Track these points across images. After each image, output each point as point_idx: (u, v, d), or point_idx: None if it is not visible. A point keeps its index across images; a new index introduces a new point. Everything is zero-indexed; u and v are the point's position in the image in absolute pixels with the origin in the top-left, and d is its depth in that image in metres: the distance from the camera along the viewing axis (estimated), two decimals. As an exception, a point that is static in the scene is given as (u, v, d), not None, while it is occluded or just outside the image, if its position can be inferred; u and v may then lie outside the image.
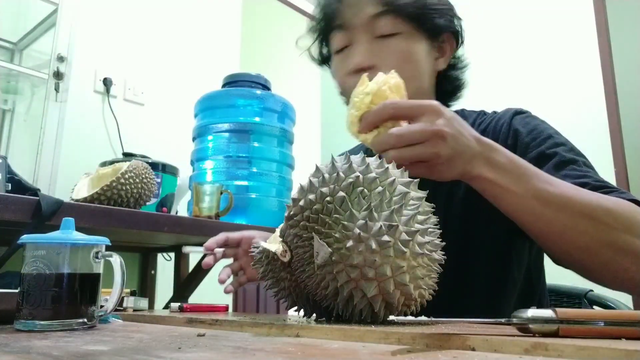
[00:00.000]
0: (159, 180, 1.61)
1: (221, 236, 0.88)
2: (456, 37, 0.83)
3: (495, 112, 0.84)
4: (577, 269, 0.64)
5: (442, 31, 0.80)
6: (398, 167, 0.53)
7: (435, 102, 0.59)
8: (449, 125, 0.56)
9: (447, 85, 0.86)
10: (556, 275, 0.93)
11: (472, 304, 0.75)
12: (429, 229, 0.51)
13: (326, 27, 0.83)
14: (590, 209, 0.58)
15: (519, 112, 0.80)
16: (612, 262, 0.58)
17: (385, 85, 0.61)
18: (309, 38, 0.88)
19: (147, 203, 1.38)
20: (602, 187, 0.64)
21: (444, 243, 0.52)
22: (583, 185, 0.64)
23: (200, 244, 0.87)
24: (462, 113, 0.87)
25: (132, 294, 0.88)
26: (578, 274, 0.64)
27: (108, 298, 0.58)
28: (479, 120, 0.84)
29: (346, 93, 0.81)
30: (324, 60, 0.90)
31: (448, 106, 0.90)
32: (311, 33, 0.87)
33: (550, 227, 0.60)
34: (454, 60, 0.85)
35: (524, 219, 0.62)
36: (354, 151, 0.98)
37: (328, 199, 0.50)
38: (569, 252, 0.61)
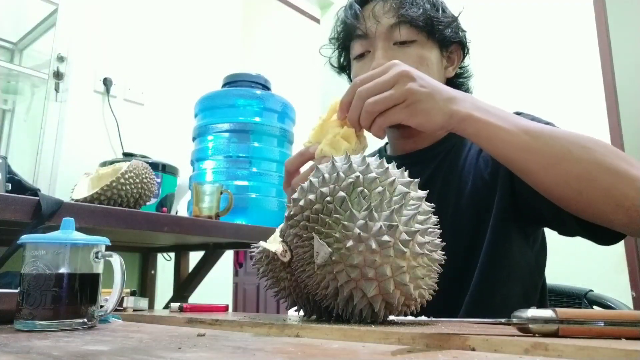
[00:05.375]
0: (159, 180, 1.61)
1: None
2: (463, 48, 0.92)
3: None
4: (578, 205, 0.63)
5: (451, 41, 0.89)
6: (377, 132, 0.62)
7: (393, 61, 0.65)
8: (412, 70, 0.63)
9: None
10: (556, 275, 0.93)
11: (472, 284, 0.78)
12: (429, 229, 0.51)
13: (347, 35, 0.91)
14: (579, 139, 0.62)
15: (520, 113, 0.85)
16: (612, 188, 0.59)
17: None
18: (328, 47, 0.98)
19: (147, 203, 1.37)
20: None
21: (444, 243, 0.52)
22: None
23: (201, 245, 0.86)
24: None
25: (132, 294, 0.88)
26: (579, 213, 0.64)
27: (108, 298, 0.58)
28: None
29: None
30: (341, 68, 0.99)
31: None
32: (332, 42, 0.96)
33: (545, 159, 0.62)
34: (460, 69, 0.94)
35: (519, 157, 0.64)
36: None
37: (328, 199, 0.50)
38: (568, 183, 0.61)
